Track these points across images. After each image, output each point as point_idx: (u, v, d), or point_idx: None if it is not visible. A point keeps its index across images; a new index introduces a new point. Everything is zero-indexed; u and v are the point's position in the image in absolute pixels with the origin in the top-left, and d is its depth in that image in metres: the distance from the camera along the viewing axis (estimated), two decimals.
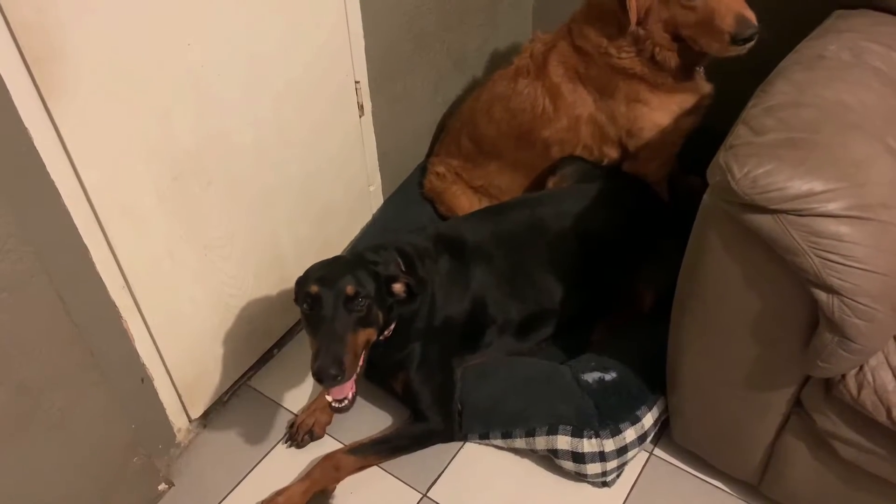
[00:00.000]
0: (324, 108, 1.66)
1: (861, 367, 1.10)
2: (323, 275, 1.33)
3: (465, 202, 1.98)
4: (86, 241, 1.21)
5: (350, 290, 1.29)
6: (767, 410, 1.28)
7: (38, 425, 1.21)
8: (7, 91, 1.02)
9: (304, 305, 1.32)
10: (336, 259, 1.44)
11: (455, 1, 1.98)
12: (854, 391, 1.11)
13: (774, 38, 1.44)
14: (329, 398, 1.34)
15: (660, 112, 1.70)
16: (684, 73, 1.66)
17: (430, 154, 2.14)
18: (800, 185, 1.00)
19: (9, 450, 1.17)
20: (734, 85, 1.45)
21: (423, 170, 2.09)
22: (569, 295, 1.59)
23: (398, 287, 1.39)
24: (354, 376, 1.33)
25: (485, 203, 1.96)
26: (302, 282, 1.36)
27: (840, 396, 1.13)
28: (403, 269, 1.44)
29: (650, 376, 1.49)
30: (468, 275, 1.54)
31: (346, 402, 1.34)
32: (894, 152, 1.10)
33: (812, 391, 1.20)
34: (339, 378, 1.25)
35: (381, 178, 1.98)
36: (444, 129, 2.11)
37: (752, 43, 1.48)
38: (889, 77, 1.27)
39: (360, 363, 1.34)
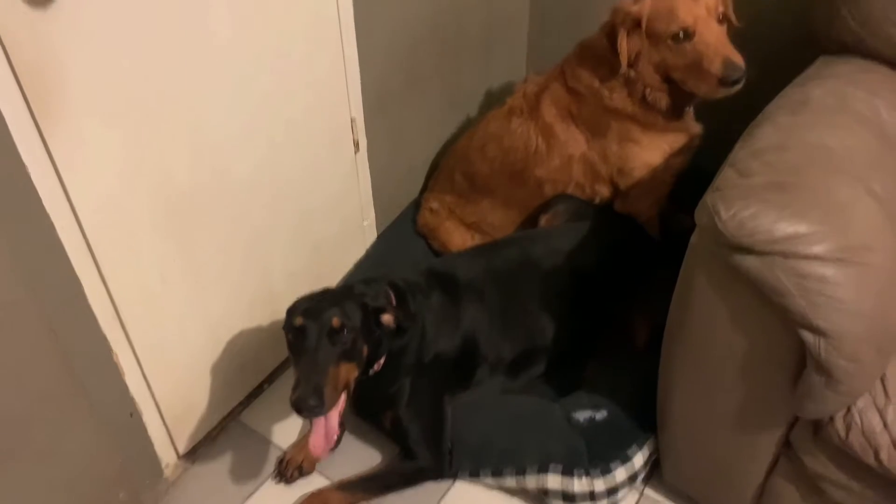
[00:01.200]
0: (320, 144, 1.68)
1: (849, 409, 1.11)
2: (309, 306, 1.34)
3: (458, 238, 2.00)
4: (78, 272, 1.22)
5: (335, 322, 1.30)
6: (757, 451, 1.28)
7: (25, 457, 1.20)
8: (6, 126, 1.03)
9: (290, 336, 1.33)
10: (325, 291, 1.44)
11: (450, 41, 2.02)
12: (842, 433, 1.11)
13: (761, 81, 1.47)
14: (310, 445, 1.34)
15: (651, 151, 1.73)
16: (675, 114, 1.69)
17: (424, 190, 2.17)
18: (785, 228, 1.02)
19: None
20: (723, 125, 1.48)
21: (417, 205, 2.11)
22: (560, 333, 1.60)
23: (387, 318, 1.39)
24: (339, 418, 1.34)
25: (478, 239, 1.98)
26: (291, 312, 1.36)
27: (828, 438, 1.13)
28: (394, 302, 1.44)
29: (641, 415, 1.49)
30: (460, 311, 1.54)
31: (326, 453, 1.34)
32: (877, 196, 1.12)
33: (801, 433, 1.20)
34: (318, 409, 1.26)
35: (375, 213, 2.00)
36: (439, 165, 2.13)
37: (740, 85, 1.51)
38: (871, 122, 1.30)
39: (342, 399, 1.34)
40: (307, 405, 1.24)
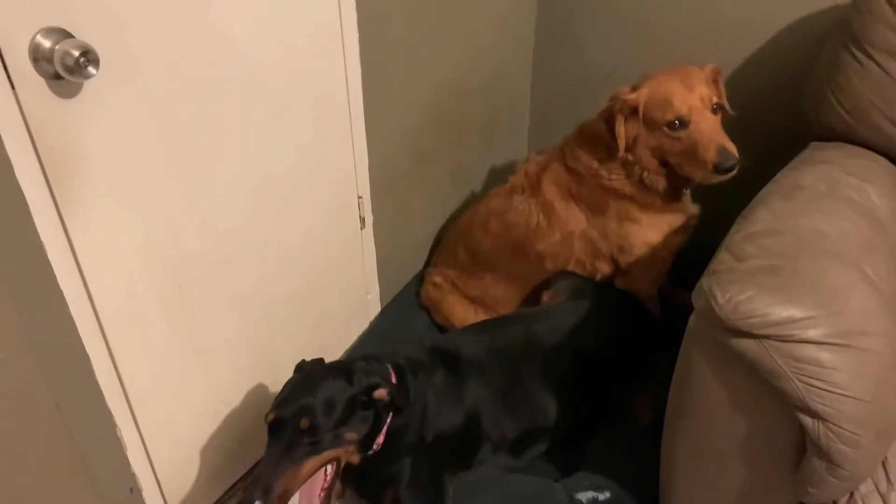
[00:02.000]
0: (327, 221, 1.73)
1: (851, 495, 1.11)
2: (285, 397, 1.31)
3: (461, 312, 2.02)
4: (88, 349, 1.24)
5: (304, 423, 1.26)
6: None
7: None
8: (27, 207, 1.07)
9: (267, 427, 1.30)
10: (312, 374, 1.39)
11: (454, 123, 2.10)
12: None
13: (756, 163, 1.52)
14: None
15: (650, 230, 1.77)
16: (672, 195, 1.74)
17: (427, 264, 2.20)
18: (780, 312, 1.04)
19: None
20: (721, 204, 1.52)
21: (420, 279, 2.14)
22: (563, 411, 1.59)
23: (380, 393, 1.36)
24: (319, 500, 1.31)
25: (480, 313, 2.00)
26: (277, 395, 1.35)
27: None
28: (394, 380, 1.44)
29: (645, 496, 1.47)
30: (463, 389, 1.54)
31: None
32: (870, 280, 1.14)
33: None
34: None
35: (380, 286, 2.03)
36: (442, 240, 2.18)
37: (734, 172, 1.56)
38: (863, 207, 1.33)
39: (328, 477, 1.32)
40: (249, 500, 1.19)
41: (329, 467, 1.33)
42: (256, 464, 1.74)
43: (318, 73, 1.56)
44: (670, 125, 1.59)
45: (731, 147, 1.55)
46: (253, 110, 1.42)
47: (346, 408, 1.32)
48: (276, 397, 1.34)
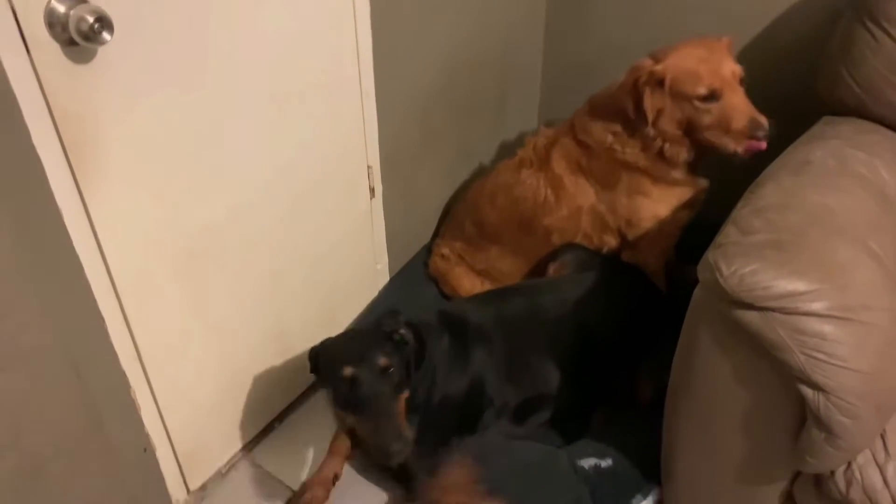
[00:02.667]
0: (338, 191, 1.74)
1: (849, 465, 1.12)
2: (351, 353, 1.36)
3: (468, 284, 2.04)
4: (103, 312, 1.26)
5: (384, 362, 1.32)
6: None
7: (40, 491, 1.23)
8: (44, 173, 1.09)
9: (342, 387, 1.33)
10: (354, 333, 1.47)
11: (464, 96, 2.10)
12: (843, 488, 1.12)
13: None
14: None
15: (660, 204, 1.77)
16: (691, 167, 1.74)
17: (435, 236, 2.22)
18: (784, 285, 1.05)
19: None
20: (728, 180, 1.51)
21: (428, 250, 2.16)
22: (566, 381, 1.62)
23: (404, 332, 1.42)
24: None
25: (487, 285, 2.02)
26: (325, 360, 1.39)
27: (829, 493, 1.15)
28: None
29: (646, 465, 1.50)
30: (468, 355, 1.57)
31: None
32: (876, 256, 1.15)
33: (803, 486, 1.21)
34: (405, 450, 1.28)
35: (389, 257, 2.05)
36: (450, 213, 2.19)
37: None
38: (871, 183, 1.33)
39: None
40: (396, 451, 1.27)
41: None
42: (267, 427, 1.79)
43: (330, 46, 1.56)
44: (702, 98, 1.58)
45: (763, 119, 1.55)
46: (267, 82, 1.42)
47: (394, 349, 1.37)
48: (328, 362, 1.37)
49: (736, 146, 1.59)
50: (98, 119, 1.14)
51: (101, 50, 1.10)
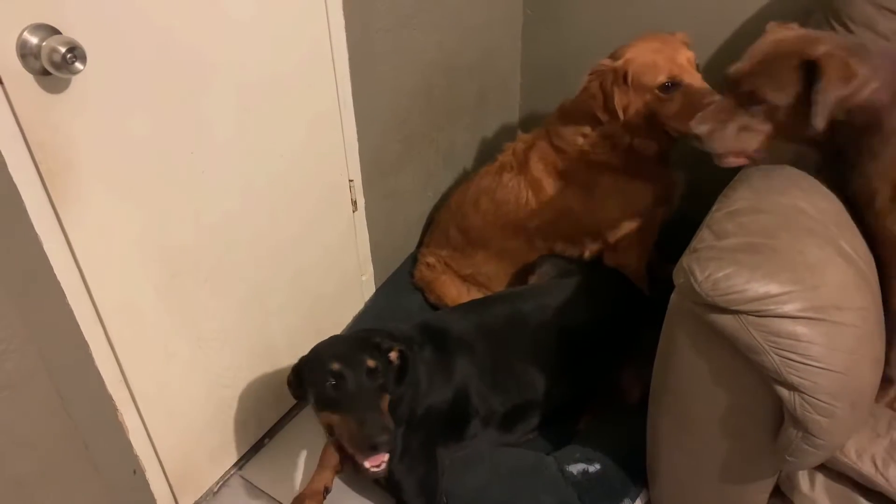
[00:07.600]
0: (319, 205, 1.75)
1: None
2: (338, 351, 1.41)
3: (454, 291, 2.05)
4: (87, 337, 1.27)
5: (371, 363, 1.37)
6: (747, 502, 1.31)
7: None
8: (21, 201, 1.10)
9: (328, 383, 1.36)
10: (338, 338, 1.50)
11: (443, 102, 2.11)
12: None
13: None
14: (368, 465, 1.36)
15: (636, 200, 1.80)
16: (661, 159, 1.76)
17: (420, 244, 2.23)
18: (757, 288, 1.07)
19: None
20: (704, 176, 1.52)
21: (413, 259, 2.17)
22: (552, 387, 1.63)
23: (393, 355, 1.45)
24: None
25: (473, 292, 2.03)
26: (313, 363, 1.42)
27: None
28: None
29: (633, 468, 1.52)
30: (451, 365, 1.58)
31: (384, 464, 1.37)
32: (846, 255, 1.17)
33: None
34: (390, 440, 1.31)
35: (374, 268, 2.06)
36: (434, 220, 2.20)
37: None
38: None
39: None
40: (382, 441, 1.29)
41: None
42: (257, 444, 1.80)
43: (305, 59, 1.57)
44: (663, 88, 1.61)
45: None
46: (242, 100, 1.43)
47: (380, 357, 1.41)
48: (316, 362, 1.40)
49: None
50: (74, 146, 1.15)
51: (74, 79, 1.10)
